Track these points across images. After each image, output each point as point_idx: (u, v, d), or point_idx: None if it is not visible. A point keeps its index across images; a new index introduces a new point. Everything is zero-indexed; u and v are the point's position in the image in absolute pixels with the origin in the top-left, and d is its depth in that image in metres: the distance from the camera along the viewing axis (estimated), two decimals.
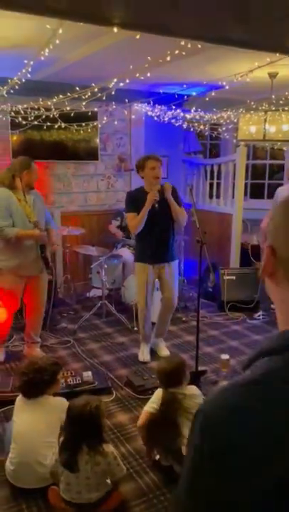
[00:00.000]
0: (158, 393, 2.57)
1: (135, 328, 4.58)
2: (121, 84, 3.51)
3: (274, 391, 0.57)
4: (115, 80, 3.48)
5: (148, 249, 3.79)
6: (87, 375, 3.46)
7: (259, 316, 4.92)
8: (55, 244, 3.96)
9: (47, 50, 2.75)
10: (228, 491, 0.55)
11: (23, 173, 3.58)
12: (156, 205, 3.64)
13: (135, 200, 3.74)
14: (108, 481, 2.24)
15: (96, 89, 3.73)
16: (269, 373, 0.59)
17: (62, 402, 2.44)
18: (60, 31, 2.39)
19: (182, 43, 2.53)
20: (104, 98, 3.90)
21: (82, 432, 2.14)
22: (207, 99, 4.50)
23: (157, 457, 2.61)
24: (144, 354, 4.00)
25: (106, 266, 4.79)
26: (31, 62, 2.99)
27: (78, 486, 2.13)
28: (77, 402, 2.22)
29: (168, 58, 2.85)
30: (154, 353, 4.07)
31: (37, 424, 2.39)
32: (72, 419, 2.15)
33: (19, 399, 2.53)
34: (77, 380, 3.38)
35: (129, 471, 2.55)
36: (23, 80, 3.38)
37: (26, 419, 2.43)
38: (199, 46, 2.54)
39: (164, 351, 4.06)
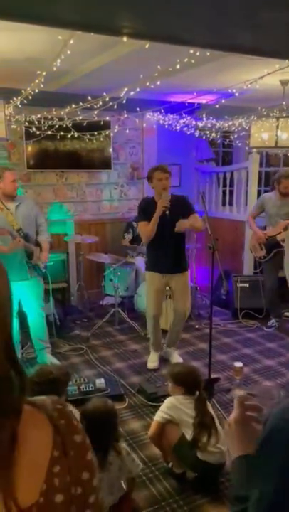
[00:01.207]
0: (168, 402, 2.54)
1: (148, 336, 4.57)
2: (132, 93, 3.56)
3: None
4: (126, 89, 3.52)
5: (158, 259, 3.81)
6: (100, 381, 3.47)
7: (273, 323, 4.87)
8: (39, 260, 3.77)
9: (59, 61, 2.81)
10: None
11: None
12: (167, 213, 3.64)
13: (146, 208, 3.76)
14: (123, 484, 2.21)
15: (107, 99, 3.78)
16: None
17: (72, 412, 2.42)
18: (72, 42, 2.44)
19: (191, 51, 2.56)
20: (115, 107, 3.95)
21: (106, 432, 2.11)
22: (217, 106, 4.52)
23: (170, 464, 2.59)
24: (152, 361, 4.00)
25: (119, 273, 4.81)
26: (44, 73, 3.06)
27: None
28: (93, 404, 2.20)
29: (177, 66, 2.88)
30: (166, 362, 4.06)
31: None
32: (94, 422, 2.09)
33: None
34: (90, 387, 3.39)
35: (141, 478, 2.53)
36: (36, 91, 3.45)
37: None
38: (208, 54, 2.57)
39: (176, 359, 4.04)
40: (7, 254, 3.49)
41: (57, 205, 5.57)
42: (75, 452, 0.70)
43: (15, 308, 3.83)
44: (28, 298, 3.82)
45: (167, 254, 3.75)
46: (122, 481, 2.20)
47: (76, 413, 2.39)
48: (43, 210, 5.18)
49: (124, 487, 2.21)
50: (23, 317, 3.93)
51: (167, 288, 3.97)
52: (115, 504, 2.17)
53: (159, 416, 2.51)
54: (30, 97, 3.70)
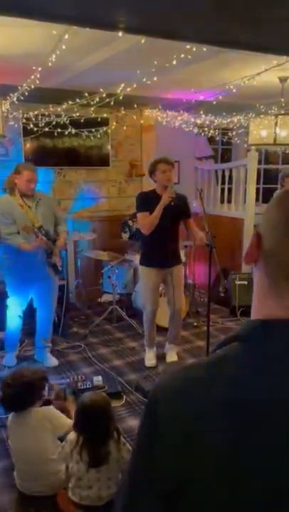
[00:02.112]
0: None
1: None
2: (128, 89, 3.54)
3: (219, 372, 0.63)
4: (123, 85, 3.50)
5: (153, 253, 3.76)
6: (98, 379, 3.46)
7: None
8: (61, 246, 3.83)
9: (54, 56, 2.79)
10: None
11: (16, 178, 3.56)
12: (172, 203, 3.57)
13: (147, 200, 3.72)
14: (120, 476, 2.20)
15: (104, 95, 3.76)
16: (224, 357, 0.64)
17: (46, 413, 2.34)
18: (66, 37, 2.43)
19: (188, 46, 2.54)
20: (112, 103, 3.92)
21: (104, 424, 2.10)
22: (215, 102, 4.50)
23: None
24: (149, 359, 3.99)
25: (117, 271, 4.80)
26: (39, 69, 3.04)
27: (89, 481, 2.11)
28: (87, 398, 2.18)
29: (174, 62, 2.86)
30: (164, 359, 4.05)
31: (30, 443, 2.28)
32: (89, 415, 2.09)
33: (9, 419, 2.40)
34: (87, 385, 3.38)
35: None
36: (32, 87, 3.43)
37: (18, 441, 2.34)
38: (205, 50, 2.55)
39: (172, 357, 4.02)
40: (30, 252, 3.49)
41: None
42: None
43: (23, 307, 3.83)
44: (44, 296, 3.82)
45: (165, 247, 3.73)
46: (120, 475, 2.20)
47: (57, 412, 2.39)
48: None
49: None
50: (25, 314, 3.93)
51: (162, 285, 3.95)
52: (112, 502, 2.17)
53: None
54: (26, 94, 3.68)
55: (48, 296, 3.85)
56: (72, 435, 2.16)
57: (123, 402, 3.33)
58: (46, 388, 2.58)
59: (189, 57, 2.74)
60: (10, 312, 3.82)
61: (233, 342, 0.65)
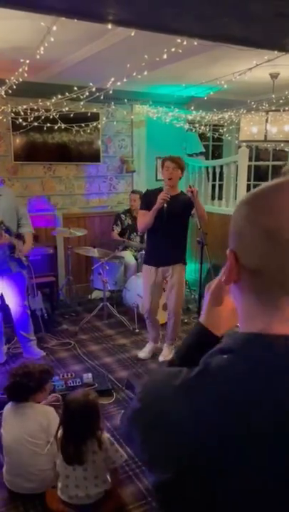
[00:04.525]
0: None
1: (136, 330, 4.55)
2: (118, 83, 3.50)
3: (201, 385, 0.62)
4: (112, 79, 3.47)
5: (154, 252, 3.80)
6: (88, 376, 3.45)
7: None
8: (21, 252, 3.67)
9: (42, 49, 2.74)
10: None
11: None
12: (165, 206, 3.57)
13: (150, 197, 3.73)
14: (108, 477, 2.20)
15: (94, 89, 3.72)
16: (211, 369, 0.62)
17: (46, 410, 2.42)
18: (55, 28, 2.38)
19: (178, 40, 2.51)
20: (102, 98, 3.88)
21: (85, 423, 2.11)
22: (206, 98, 4.48)
23: None
24: (143, 351, 4.05)
25: (107, 268, 4.77)
26: (27, 61, 2.99)
27: (76, 479, 2.10)
28: (75, 395, 2.21)
29: (164, 56, 2.83)
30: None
31: (23, 434, 2.31)
32: (74, 412, 2.12)
33: (6, 408, 2.47)
34: (77, 382, 3.36)
35: (128, 473, 2.52)
36: (20, 80, 3.38)
37: (11, 431, 2.37)
38: (195, 43, 2.52)
39: (163, 356, 4.00)
40: None
41: (44, 198, 5.50)
42: None
43: None
44: (11, 292, 3.77)
45: (163, 247, 3.72)
46: (107, 474, 2.19)
47: (56, 415, 2.40)
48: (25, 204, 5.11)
49: (109, 479, 2.20)
50: (7, 311, 3.89)
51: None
52: (101, 499, 2.16)
53: None
54: (15, 87, 3.62)
55: (15, 291, 3.79)
56: (59, 432, 2.16)
57: (113, 399, 3.31)
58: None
59: (180, 51, 2.71)
60: None
61: (221, 355, 0.62)
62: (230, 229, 0.68)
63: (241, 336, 0.63)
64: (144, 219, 3.70)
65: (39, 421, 2.31)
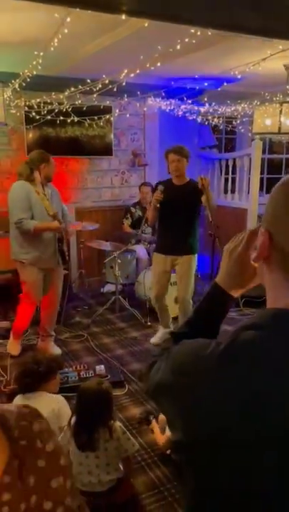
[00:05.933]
0: None
1: (148, 323, 4.57)
2: (132, 75, 3.49)
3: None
4: (126, 71, 3.46)
5: (164, 240, 3.86)
6: (100, 368, 3.48)
7: None
8: (72, 234, 4.00)
9: (56, 41, 2.74)
10: None
11: (42, 166, 3.61)
12: (158, 206, 3.67)
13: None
14: (120, 465, 2.22)
15: (107, 81, 3.72)
16: (238, 344, 0.63)
17: (58, 398, 2.41)
18: (68, 20, 2.38)
19: (192, 30, 2.49)
20: (115, 90, 3.88)
21: (98, 410, 2.14)
22: (219, 89, 4.44)
23: (168, 451, 2.59)
24: (155, 337, 4.16)
25: (120, 261, 4.79)
26: (41, 53, 3.00)
27: (89, 465, 2.13)
28: (88, 383, 2.24)
29: (178, 47, 2.81)
30: None
31: None
32: (87, 398, 2.14)
33: (15, 400, 2.45)
34: (90, 374, 3.39)
35: (140, 463, 2.54)
36: (34, 73, 3.39)
37: None
38: (209, 34, 2.50)
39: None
40: (47, 237, 3.61)
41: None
42: (36, 479, 0.60)
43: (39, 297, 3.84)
44: (52, 285, 3.85)
45: (173, 236, 3.77)
46: (119, 462, 2.22)
47: (66, 403, 2.42)
48: None
49: (121, 467, 2.22)
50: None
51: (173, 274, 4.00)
52: (114, 488, 2.19)
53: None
54: (29, 80, 3.64)
55: (56, 285, 3.87)
56: (73, 420, 2.19)
57: (126, 390, 3.33)
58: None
59: (194, 41, 2.69)
60: None
61: (248, 331, 0.64)
62: (266, 209, 0.70)
63: (269, 312, 0.66)
64: (149, 213, 3.84)
65: (51, 407, 2.33)
